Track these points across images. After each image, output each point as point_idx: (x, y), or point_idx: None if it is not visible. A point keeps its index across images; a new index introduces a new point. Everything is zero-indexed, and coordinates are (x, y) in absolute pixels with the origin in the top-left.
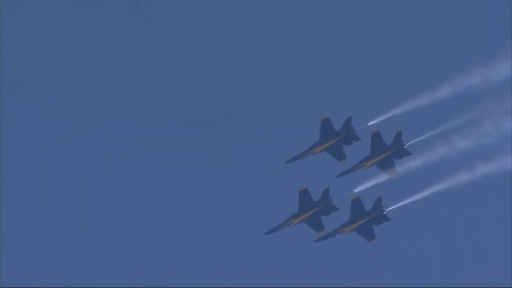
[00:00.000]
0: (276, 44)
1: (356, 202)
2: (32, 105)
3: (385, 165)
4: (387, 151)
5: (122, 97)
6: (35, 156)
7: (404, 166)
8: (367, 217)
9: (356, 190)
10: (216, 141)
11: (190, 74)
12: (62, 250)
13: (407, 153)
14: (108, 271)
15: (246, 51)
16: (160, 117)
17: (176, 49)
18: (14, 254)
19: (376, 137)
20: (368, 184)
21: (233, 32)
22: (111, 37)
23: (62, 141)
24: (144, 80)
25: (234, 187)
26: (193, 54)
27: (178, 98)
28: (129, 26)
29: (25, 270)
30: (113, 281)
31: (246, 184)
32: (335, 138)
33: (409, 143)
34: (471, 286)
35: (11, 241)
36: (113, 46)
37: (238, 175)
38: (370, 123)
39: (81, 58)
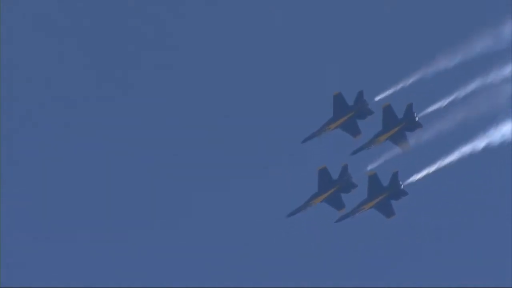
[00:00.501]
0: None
1: (373, 179)
2: (32, 104)
3: (398, 139)
4: (399, 124)
5: (121, 97)
6: (35, 156)
7: (417, 138)
8: (385, 193)
9: (372, 167)
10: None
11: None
12: (62, 250)
13: (418, 125)
14: (108, 271)
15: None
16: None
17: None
18: (14, 254)
19: (388, 111)
20: (382, 160)
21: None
22: (111, 37)
23: (62, 142)
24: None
25: (252, 170)
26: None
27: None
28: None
29: (25, 270)
30: (113, 281)
31: (262, 167)
32: (348, 113)
33: (420, 115)
34: (471, 286)
35: (11, 241)
36: (113, 46)
37: (254, 158)
38: (379, 97)
39: (81, 59)
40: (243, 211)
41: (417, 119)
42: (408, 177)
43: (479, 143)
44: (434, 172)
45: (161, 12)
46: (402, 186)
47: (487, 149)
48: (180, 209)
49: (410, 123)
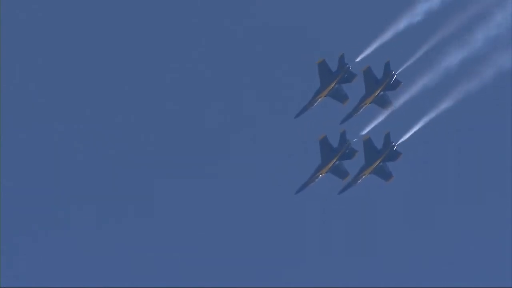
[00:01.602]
0: None
1: (368, 143)
2: (31, 104)
3: (381, 100)
4: (380, 85)
5: (121, 98)
6: (35, 156)
7: (400, 96)
8: (382, 156)
9: (363, 132)
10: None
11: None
12: (62, 249)
13: (398, 83)
14: (108, 271)
15: None
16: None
17: None
18: (14, 254)
19: (368, 73)
20: (372, 123)
21: None
22: (111, 36)
23: (62, 142)
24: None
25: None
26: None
27: None
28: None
29: (25, 270)
30: (113, 281)
31: (261, 144)
32: (334, 80)
33: (398, 72)
34: (471, 286)
35: (11, 241)
36: (113, 45)
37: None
38: (358, 59)
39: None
40: (247, 186)
41: (395, 77)
42: (400, 136)
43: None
44: (424, 127)
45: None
46: (396, 147)
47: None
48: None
49: (390, 82)
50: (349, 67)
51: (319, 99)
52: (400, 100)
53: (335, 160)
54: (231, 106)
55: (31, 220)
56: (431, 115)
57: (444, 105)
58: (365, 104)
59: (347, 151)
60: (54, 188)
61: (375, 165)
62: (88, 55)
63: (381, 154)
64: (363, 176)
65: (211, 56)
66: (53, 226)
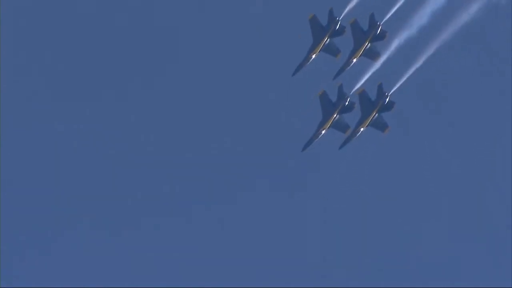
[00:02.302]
0: None
1: (363, 95)
2: (32, 104)
3: (370, 52)
4: (367, 37)
5: (120, 98)
6: (35, 156)
7: (387, 46)
8: (376, 107)
9: (357, 86)
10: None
11: None
12: (62, 249)
13: (383, 33)
14: (108, 270)
15: None
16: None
17: None
18: (14, 254)
19: (355, 27)
20: (364, 77)
21: None
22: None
23: (62, 142)
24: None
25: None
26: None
27: None
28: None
29: (25, 270)
30: (113, 281)
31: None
32: (326, 34)
33: (383, 22)
34: (471, 286)
35: (11, 241)
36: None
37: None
38: (346, 10)
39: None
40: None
41: (380, 27)
42: (392, 86)
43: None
44: (414, 74)
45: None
46: (388, 97)
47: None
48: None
49: (376, 34)
50: (339, 20)
51: (314, 55)
52: (388, 50)
53: (335, 114)
54: (229, 67)
55: (30, 220)
56: (419, 62)
57: (430, 51)
58: (355, 57)
59: (346, 104)
60: (53, 188)
61: (371, 117)
62: (87, 55)
63: (375, 106)
64: (362, 129)
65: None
66: (53, 226)
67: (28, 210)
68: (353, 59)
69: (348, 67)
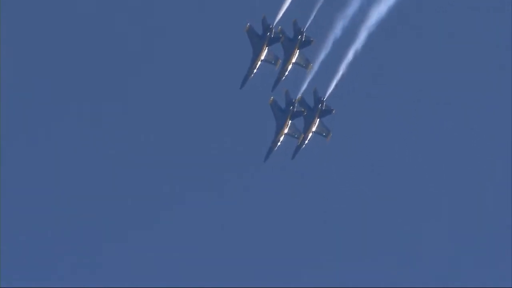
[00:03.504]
0: None
1: (302, 103)
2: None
3: (300, 60)
4: (294, 45)
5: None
6: (35, 156)
7: (315, 52)
8: (317, 113)
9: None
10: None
11: None
12: (62, 249)
13: (308, 39)
14: (108, 270)
15: None
16: None
17: None
18: (14, 254)
19: (282, 34)
20: (300, 86)
21: None
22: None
23: (62, 141)
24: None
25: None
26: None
27: None
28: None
29: (25, 270)
30: (113, 281)
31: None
32: (264, 42)
33: (306, 28)
34: (471, 287)
35: (11, 241)
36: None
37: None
38: (277, 18)
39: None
40: None
41: (305, 35)
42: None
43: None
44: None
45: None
46: (325, 102)
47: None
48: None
49: (302, 40)
50: (272, 28)
51: (257, 65)
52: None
53: (288, 121)
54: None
55: (30, 220)
56: (347, 62)
57: (354, 49)
58: (288, 66)
59: (295, 109)
60: (53, 188)
61: (314, 123)
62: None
63: (315, 112)
64: (309, 136)
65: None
66: (53, 226)
67: (28, 210)
68: (287, 67)
69: (283, 77)
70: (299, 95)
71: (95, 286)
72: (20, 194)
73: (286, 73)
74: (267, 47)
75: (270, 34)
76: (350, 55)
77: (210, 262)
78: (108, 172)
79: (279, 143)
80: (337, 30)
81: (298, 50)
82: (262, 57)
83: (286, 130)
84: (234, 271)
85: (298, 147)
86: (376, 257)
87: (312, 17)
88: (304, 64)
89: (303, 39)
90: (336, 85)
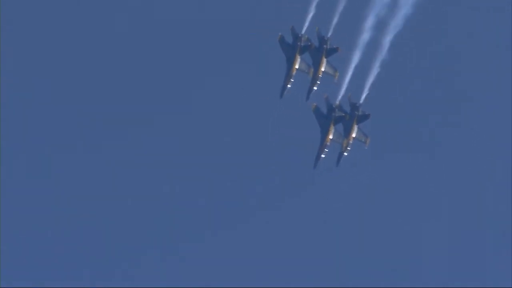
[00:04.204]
0: None
1: (340, 109)
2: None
3: (328, 68)
4: (321, 54)
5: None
6: (35, 156)
7: (342, 60)
8: (355, 119)
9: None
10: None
11: None
12: (62, 249)
13: (334, 48)
14: (108, 271)
15: None
16: None
17: None
18: (14, 254)
19: (310, 45)
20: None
21: None
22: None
23: (61, 141)
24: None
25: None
26: None
27: None
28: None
29: (25, 270)
30: (113, 281)
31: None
32: (296, 50)
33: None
34: (471, 287)
35: (11, 241)
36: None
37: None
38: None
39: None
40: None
41: (329, 42)
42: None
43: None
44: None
45: None
46: (361, 107)
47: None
48: None
49: (328, 48)
50: (301, 37)
51: (293, 74)
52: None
53: (332, 126)
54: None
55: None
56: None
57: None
58: (319, 74)
59: (336, 114)
60: (53, 188)
61: (353, 130)
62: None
63: (353, 118)
64: (350, 143)
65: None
66: (53, 225)
67: (27, 209)
68: (317, 76)
69: (316, 85)
70: (337, 102)
71: (96, 286)
72: (20, 194)
73: (318, 81)
74: (299, 56)
75: (300, 43)
76: (378, 59)
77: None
78: (108, 172)
79: (326, 149)
80: (364, 33)
81: (325, 59)
82: (297, 66)
83: (331, 136)
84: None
85: (341, 154)
86: (376, 257)
87: (334, 23)
88: (332, 72)
89: (328, 47)
90: (369, 90)
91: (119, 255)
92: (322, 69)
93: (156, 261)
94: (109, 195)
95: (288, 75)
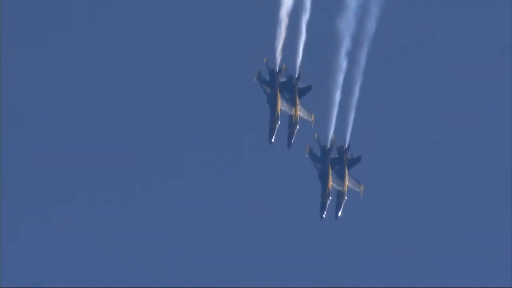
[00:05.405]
0: None
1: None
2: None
3: (304, 112)
4: (294, 95)
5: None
6: (35, 155)
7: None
8: (345, 163)
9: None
10: None
11: None
12: (62, 249)
13: (308, 87)
14: (108, 271)
15: None
16: None
17: None
18: (14, 254)
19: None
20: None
21: None
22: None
23: (62, 140)
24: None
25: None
26: None
27: None
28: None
29: (25, 270)
30: (113, 281)
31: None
32: (276, 87)
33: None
34: (471, 287)
35: (11, 241)
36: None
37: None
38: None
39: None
40: None
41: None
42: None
43: None
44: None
45: None
46: (348, 150)
47: None
48: None
49: (300, 88)
50: (279, 71)
51: (279, 115)
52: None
53: (330, 169)
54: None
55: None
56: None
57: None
58: (297, 117)
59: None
60: (53, 188)
61: (346, 174)
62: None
63: (343, 163)
64: (346, 189)
65: None
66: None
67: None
68: (295, 118)
69: (296, 129)
70: (331, 141)
71: (98, 286)
72: (20, 194)
73: (297, 125)
74: (280, 94)
75: (278, 80)
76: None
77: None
78: (108, 173)
79: (330, 196)
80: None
81: (299, 99)
82: (281, 106)
83: (332, 180)
84: None
85: (340, 204)
86: (375, 256)
87: (299, 58)
88: (307, 115)
89: (301, 86)
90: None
91: (119, 255)
92: (298, 114)
93: None
94: (109, 195)
95: (274, 118)
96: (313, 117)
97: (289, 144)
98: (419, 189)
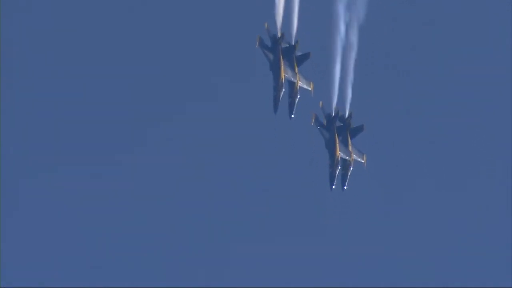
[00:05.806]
0: None
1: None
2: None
3: (303, 80)
4: (292, 59)
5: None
6: (34, 155)
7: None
8: (347, 133)
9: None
10: None
11: None
12: (62, 249)
13: (306, 55)
14: (108, 271)
15: None
16: None
17: None
18: (14, 254)
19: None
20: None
21: None
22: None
23: (62, 140)
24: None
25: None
26: None
27: None
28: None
29: (25, 270)
30: (113, 281)
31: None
32: (279, 53)
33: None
34: (471, 287)
35: (11, 241)
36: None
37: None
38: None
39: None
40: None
41: (298, 50)
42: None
43: None
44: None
45: None
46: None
47: None
48: None
49: (298, 55)
50: (281, 37)
51: (283, 82)
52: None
53: (337, 138)
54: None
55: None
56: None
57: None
58: (298, 85)
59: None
60: (53, 187)
61: (349, 143)
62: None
63: (346, 132)
64: (352, 159)
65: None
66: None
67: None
68: (297, 86)
69: (296, 99)
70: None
71: (96, 286)
72: (20, 194)
73: (298, 93)
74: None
75: (280, 45)
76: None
77: None
78: (109, 173)
79: (339, 166)
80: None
81: (298, 67)
82: (284, 73)
83: (339, 149)
84: None
85: (347, 172)
86: (375, 256)
87: (295, 25)
88: (306, 83)
89: (300, 55)
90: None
91: (119, 255)
92: (298, 84)
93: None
94: (109, 196)
95: (278, 85)
96: (312, 85)
97: (291, 113)
98: (419, 189)
